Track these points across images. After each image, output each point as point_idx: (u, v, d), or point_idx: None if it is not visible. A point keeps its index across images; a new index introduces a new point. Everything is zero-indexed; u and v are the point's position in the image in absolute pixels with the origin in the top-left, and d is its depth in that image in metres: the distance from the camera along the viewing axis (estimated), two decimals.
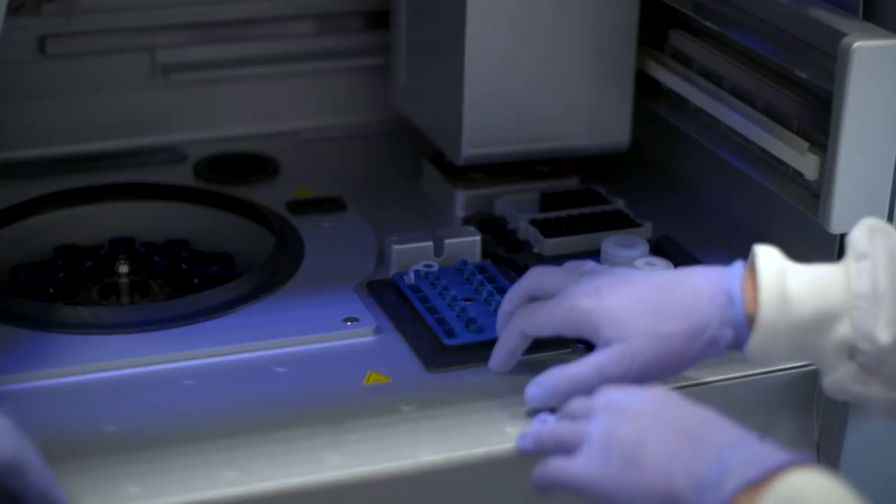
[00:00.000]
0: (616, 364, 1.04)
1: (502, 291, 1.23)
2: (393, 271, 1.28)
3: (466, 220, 1.39)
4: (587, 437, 0.96)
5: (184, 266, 1.34)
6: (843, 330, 1.00)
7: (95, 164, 1.48)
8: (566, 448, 0.97)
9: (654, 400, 0.96)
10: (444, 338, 1.17)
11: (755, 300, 1.01)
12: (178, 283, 1.33)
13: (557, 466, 0.97)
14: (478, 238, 1.31)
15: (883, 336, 0.98)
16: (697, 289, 1.04)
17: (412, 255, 1.28)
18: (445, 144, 1.42)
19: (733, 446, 0.90)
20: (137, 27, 1.50)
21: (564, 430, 0.99)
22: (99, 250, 1.37)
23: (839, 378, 1.01)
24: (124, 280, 1.31)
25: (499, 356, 1.13)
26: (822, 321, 1.00)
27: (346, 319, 1.20)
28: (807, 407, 1.18)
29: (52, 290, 1.30)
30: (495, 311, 1.20)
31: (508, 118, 1.38)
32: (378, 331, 1.20)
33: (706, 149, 1.39)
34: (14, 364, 1.13)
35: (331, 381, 1.13)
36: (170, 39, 1.51)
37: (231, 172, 1.47)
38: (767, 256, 1.02)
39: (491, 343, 1.16)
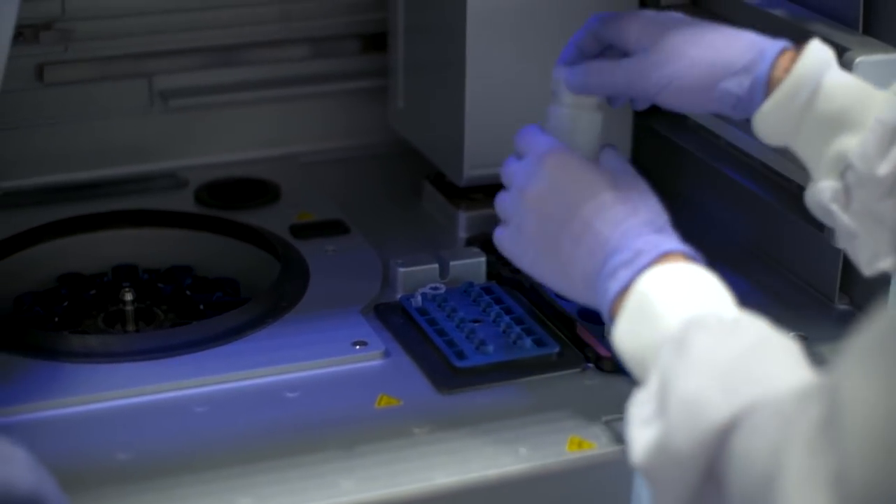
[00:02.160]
0: (644, 69, 1.06)
1: (510, 312, 1.23)
2: (399, 294, 1.28)
3: (469, 241, 1.39)
4: (506, 216, 1.08)
5: (188, 292, 1.34)
6: (849, 142, 1.01)
7: (96, 192, 1.48)
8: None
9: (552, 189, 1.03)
10: (454, 360, 1.17)
11: (787, 69, 1.02)
12: (182, 309, 1.33)
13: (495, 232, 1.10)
14: (483, 259, 1.31)
15: (881, 167, 1.00)
16: (741, 37, 1.06)
17: (418, 278, 1.28)
18: (447, 165, 1.42)
19: (612, 252, 0.98)
20: (135, 54, 1.50)
21: (498, 202, 1.10)
22: (102, 278, 1.37)
23: (822, 188, 1.03)
24: (129, 308, 1.31)
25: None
26: (837, 122, 1.01)
27: (355, 343, 1.20)
28: None
29: (57, 319, 1.30)
30: (504, 331, 1.20)
31: (509, 138, 1.38)
32: (387, 354, 1.20)
33: (707, 165, 1.39)
34: (24, 394, 1.13)
35: (342, 406, 1.13)
36: (167, 65, 1.51)
37: (232, 198, 1.47)
38: (821, 47, 1.03)
39: (501, 364, 1.17)
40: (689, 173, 1.44)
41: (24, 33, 1.45)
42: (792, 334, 1.24)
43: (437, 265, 1.29)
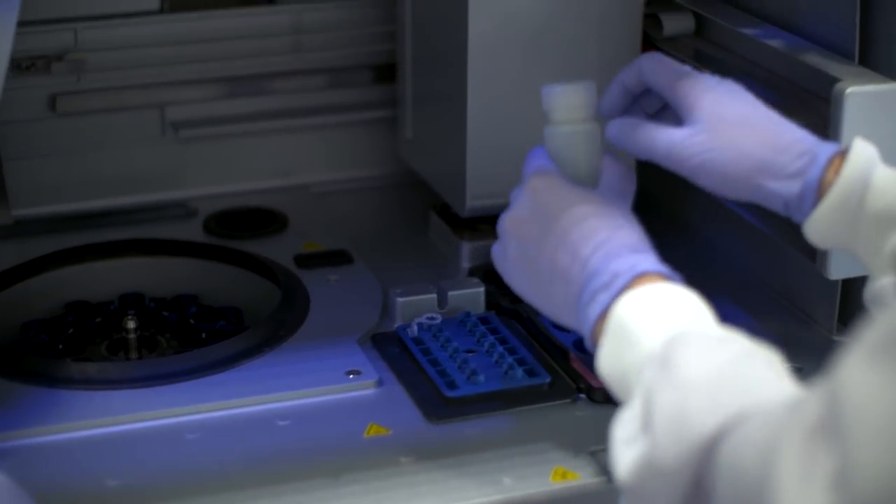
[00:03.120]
0: (686, 146, 1.05)
1: (505, 343, 1.24)
2: (397, 324, 1.28)
3: (472, 272, 1.39)
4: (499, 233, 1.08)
5: (192, 321, 1.35)
6: None
7: (106, 221, 1.50)
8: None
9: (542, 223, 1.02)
10: (445, 390, 1.17)
11: (837, 171, 1.01)
12: (186, 337, 1.34)
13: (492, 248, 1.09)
14: (481, 290, 1.31)
15: None
16: (793, 132, 1.05)
17: (416, 308, 1.29)
18: (450, 196, 1.43)
19: (591, 276, 0.97)
20: (147, 84, 1.52)
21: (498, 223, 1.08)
22: (109, 306, 1.39)
23: (883, 285, 1.01)
24: (132, 335, 1.32)
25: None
26: (891, 218, 1.00)
27: (349, 372, 1.21)
28: None
29: (61, 346, 1.32)
30: (497, 362, 1.21)
31: (512, 169, 1.39)
32: (380, 383, 1.20)
33: (713, 197, 1.39)
34: (19, 420, 1.15)
35: (332, 434, 1.14)
36: (179, 96, 1.53)
37: (240, 227, 1.49)
38: (865, 146, 1.02)
39: (492, 394, 1.17)
40: (697, 204, 1.44)
41: (37, 64, 1.47)
42: (788, 366, 1.24)
43: (435, 295, 1.30)
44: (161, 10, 1.51)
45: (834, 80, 1.14)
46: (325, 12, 1.56)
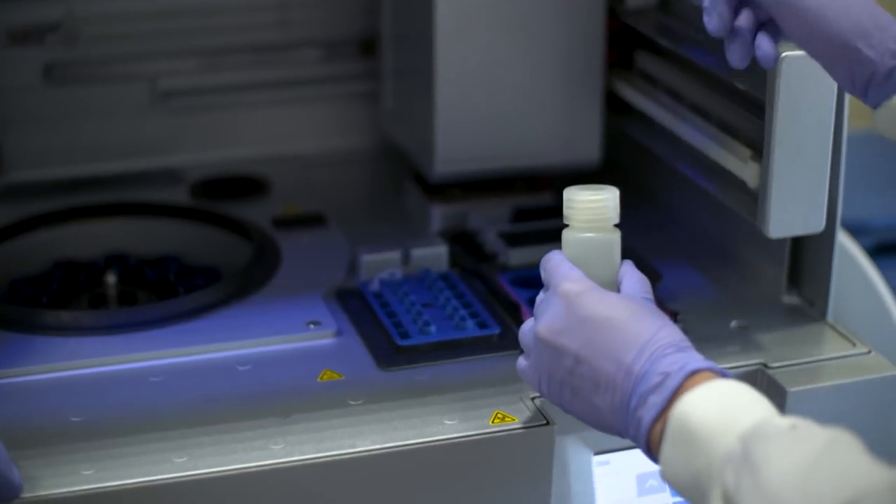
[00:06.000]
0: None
1: (461, 297, 1.29)
2: (361, 279, 1.34)
3: (441, 234, 1.44)
4: (527, 348, 1.07)
5: (171, 279, 1.41)
6: None
7: (97, 187, 1.56)
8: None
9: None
10: (397, 339, 1.23)
11: None
12: (164, 294, 1.40)
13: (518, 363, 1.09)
14: (443, 248, 1.37)
15: None
16: (890, 17, 1.05)
17: (380, 265, 1.35)
18: (421, 163, 1.49)
19: (638, 380, 0.96)
20: (138, 55, 1.58)
21: (521, 334, 1.08)
22: (95, 265, 1.45)
23: None
24: (112, 291, 1.39)
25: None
26: None
27: (310, 323, 1.26)
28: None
29: (45, 300, 1.38)
30: (451, 315, 1.26)
31: (480, 137, 1.44)
32: (339, 333, 1.26)
33: (675, 167, 1.44)
34: None
35: (288, 379, 1.20)
36: (169, 67, 1.59)
37: (225, 193, 1.55)
38: None
39: (442, 343, 1.22)
40: (659, 172, 1.49)
41: (31, 35, 1.53)
42: (734, 322, 1.29)
43: (399, 253, 1.35)
44: None
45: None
46: None
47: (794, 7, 1.06)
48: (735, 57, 1.12)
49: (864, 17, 1.05)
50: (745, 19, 1.11)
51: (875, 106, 1.05)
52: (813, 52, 1.08)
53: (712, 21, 1.12)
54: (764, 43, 1.11)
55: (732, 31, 1.12)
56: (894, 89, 1.04)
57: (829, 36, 1.05)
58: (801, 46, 1.10)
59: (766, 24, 1.12)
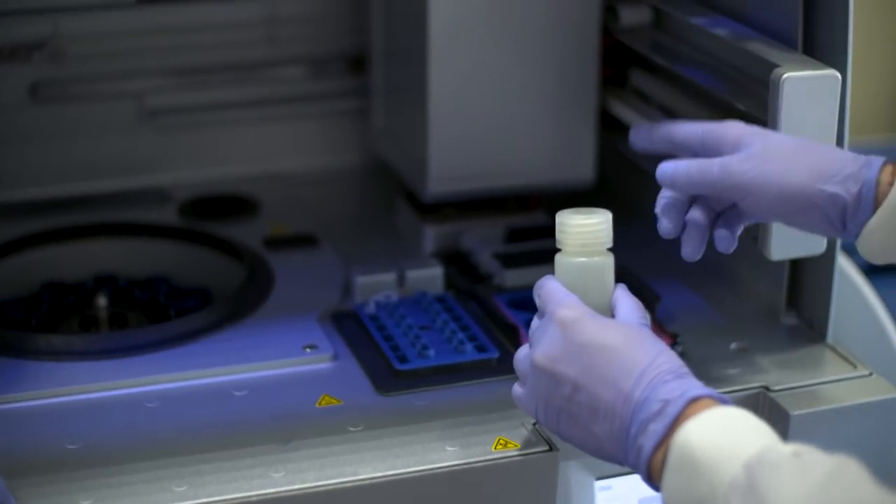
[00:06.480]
0: (741, 163, 1.07)
1: (458, 320, 1.28)
2: (356, 302, 1.33)
3: (435, 255, 1.43)
4: (522, 375, 1.06)
5: (162, 300, 1.39)
6: None
7: (84, 206, 1.54)
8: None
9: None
10: (396, 363, 1.22)
11: (891, 183, 1.03)
12: (155, 315, 1.38)
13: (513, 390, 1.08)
14: (439, 270, 1.36)
15: None
16: (839, 152, 1.07)
17: (375, 287, 1.33)
18: (414, 182, 1.47)
19: (638, 408, 0.95)
20: (125, 73, 1.56)
21: (516, 361, 1.07)
22: (83, 286, 1.43)
23: None
24: (103, 313, 1.37)
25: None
26: None
27: (306, 347, 1.25)
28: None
29: (34, 323, 1.36)
30: (449, 338, 1.25)
31: (474, 156, 1.44)
32: (335, 357, 1.25)
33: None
34: None
35: (286, 404, 1.18)
36: (156, 85, 1.58)
37: (214, 213, 1.53)
38: None
39: (441, 368, 1.21)
40: (650, 191, 1.47)
41: (18, 52, 1.51)
42: (734, 344, 1.28)
43: (394, 275, 1.34)
44: (139, 1, 1.55)
45: (773, 66, 1.18)
46: (299, 4, 1.60)
47: (750, 185, 1.06)
48: (687, 250, 1.13)
49: (816, 160, 1.06)
50: (698, 214, 1.12)
51: (856, 237, 1.06)
52: (785, 216, 1.09)
53: (662, 227, 1.14)
54: (721, 235, 1.13)
55: (685, 227, 1.13)
56: (867, 215, 1.04)
57: (792, 193, 1.05)
58: (770, 217, 1.12)
59: (725, 212, 1.13)
